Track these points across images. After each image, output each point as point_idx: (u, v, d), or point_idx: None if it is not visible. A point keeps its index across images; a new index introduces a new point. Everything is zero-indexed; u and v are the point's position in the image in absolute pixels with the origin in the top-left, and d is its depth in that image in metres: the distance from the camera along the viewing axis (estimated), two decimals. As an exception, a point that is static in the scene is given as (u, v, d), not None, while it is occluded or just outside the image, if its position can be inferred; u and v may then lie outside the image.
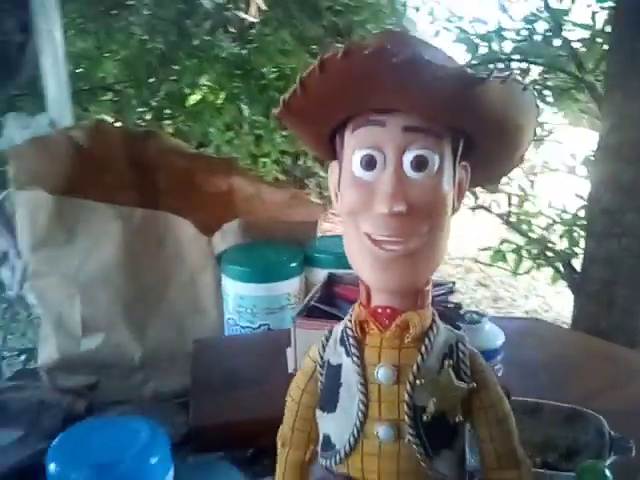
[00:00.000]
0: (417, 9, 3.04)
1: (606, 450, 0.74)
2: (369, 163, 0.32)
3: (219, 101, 2.80)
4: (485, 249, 2.62)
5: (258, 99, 2.74)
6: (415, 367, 0.34)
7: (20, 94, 1.75)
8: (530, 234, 2.48)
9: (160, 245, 0.87)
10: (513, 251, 2.51)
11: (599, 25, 2.29)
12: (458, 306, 0.63)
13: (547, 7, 2.34)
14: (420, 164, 0.32)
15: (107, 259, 0.86)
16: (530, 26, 2.48)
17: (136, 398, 0.85)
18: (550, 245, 2.33)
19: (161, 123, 2.89)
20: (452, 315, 0.41)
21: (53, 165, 0.98)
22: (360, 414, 0.35)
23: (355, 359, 0.35)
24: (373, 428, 0.35)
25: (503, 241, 2.59)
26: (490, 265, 2.71)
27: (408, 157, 0.32)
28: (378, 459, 0.35)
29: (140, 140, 1.05)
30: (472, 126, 0.33)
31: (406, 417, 0.34)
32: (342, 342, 0.36)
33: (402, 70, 0.28)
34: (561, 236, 2.38)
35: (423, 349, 0.34)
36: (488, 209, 2.55)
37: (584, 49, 2.40)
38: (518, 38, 2.52)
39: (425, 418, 0.34)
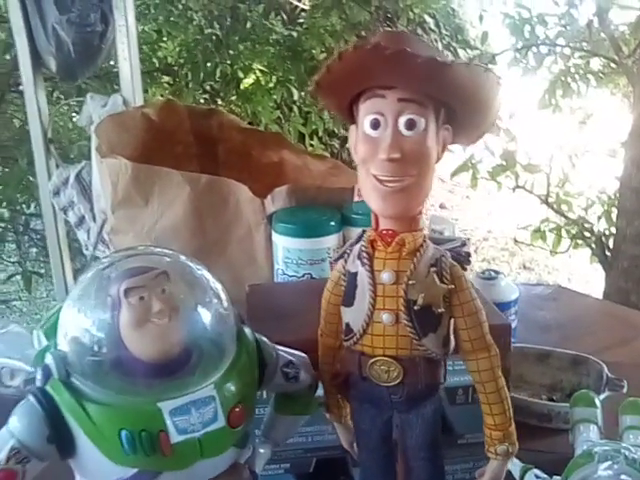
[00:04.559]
0: (463, -6, 3.12)
1: (602, 388, 0.85)
2: (375, 124, 0.46)
3: (271, 84, 2.94)
4: (524, 227, 2.71)
5: (307, 80, 2.86)
6: (409, 272, 0.48)
7: (97, 76, 1.94)
8: (569, 214, 2.56)
9: (222, 206, 1.00)
10: (552, 230, 2.60)
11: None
12: (468, 254, 0.75)
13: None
14: (411, 125, 0.45)
15: (177, 218, 1.00)
16: (573, 10, 2.53)
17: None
18: (587, 225, 2.41)
19: (216, 104, 3.04)
20: (462, 262, 0.53)
21: (129, 138, 1.13)
22: (370, 306, 0.48)
23: (367, 267, 0.49)
24: (379, 316, 0.48)
25: (543, 220, 2.67)
26: (530, 245, 2.78)
27: (402, 120, 0.45)
28: (383, 338, 0.48)
29: (204, 116, 1.20)
30: (448, 98, 0.46)
31: (402, 307, 0.48)
32: (359, 256, 0.50)
33: (393, 59, 0.42)
34: (599, 217, 2.45)
35: (415, 259, 0.48)
36: (528, 190, 2.63)
37: (628, 32, 2.44)
38: (562, 23, 2.58)
39: (416, 308, 0.47)
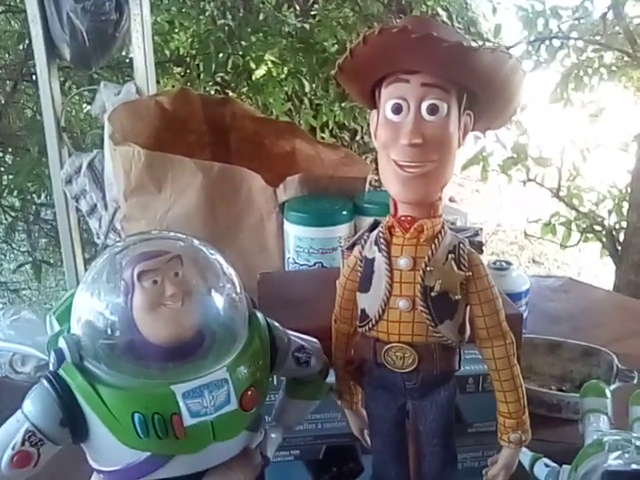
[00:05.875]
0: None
1: (613, 379, 0.85)
2: (397, 109, 0.45)
3: (282, 75, 2.92)
4: (535, 221, 2.69)
5: (319, 72, 2.84)
6: (426, 258, 0.47)
7: (109, 66, 1.94)
8: (580, 208, 2.55)
9: (234, 194, 1.01)
10: (562, 224, 2.58)
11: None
12: (480, 243, 0.75)
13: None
14: (433, 110, 0.45)
15: (189, 206, 1.00)
16: (587, 3, 2.51)
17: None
18: (598, 219, 2.39)
19: (227, 95, 3.03)
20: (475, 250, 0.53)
21: (143, 126, 1.13)
22: (386, 292, 0.48)
23: (385, 253, 0.49)
24: (395, 302, 0.48)
25: (554, 214, 2.65)
26: (540, 238, 2.77)
27: (425, 105, 0.45)
28: (399, 324, 0.48)
29: (217, 105, 1.20)
30: (471, 84, 0.46)
31: (419, 293, 0.47)
32: (376, 242, 0.50)
33: (419, 43, 0.42)
34: (610, 211, 2.44)
35: (433, 246, 0.48)
36: (539, 183, 2.62)
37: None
38: (575, 16, 2.56)
39: (433, 294, 0.47)
